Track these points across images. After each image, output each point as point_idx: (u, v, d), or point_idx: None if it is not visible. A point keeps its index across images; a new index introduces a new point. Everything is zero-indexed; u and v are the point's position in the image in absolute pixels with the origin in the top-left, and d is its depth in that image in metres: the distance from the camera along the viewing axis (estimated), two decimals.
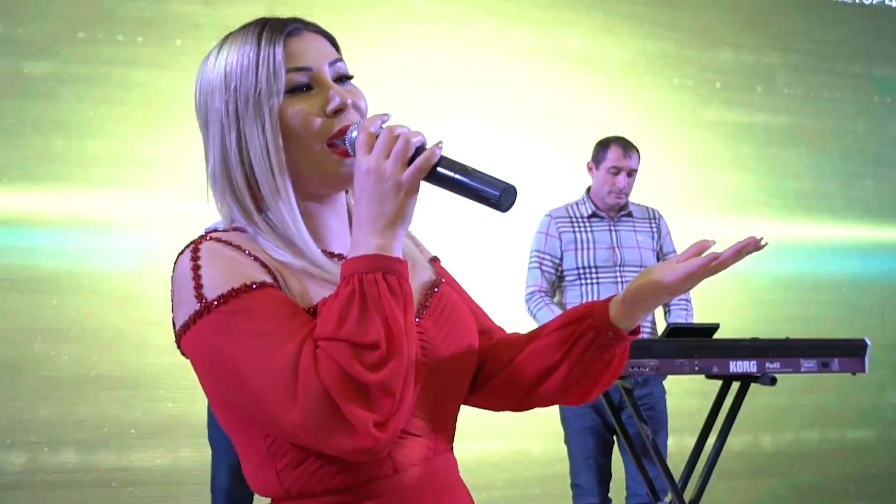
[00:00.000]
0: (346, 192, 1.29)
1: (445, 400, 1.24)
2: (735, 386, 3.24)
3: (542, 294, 3.60)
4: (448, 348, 1.23)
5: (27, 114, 4.17)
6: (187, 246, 1.16)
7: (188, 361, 1.18)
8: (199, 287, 1.11)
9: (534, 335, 1.32)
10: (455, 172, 1.13)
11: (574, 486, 3.60)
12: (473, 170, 1.14)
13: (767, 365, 3.08)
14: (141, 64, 4.28)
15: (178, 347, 1.17)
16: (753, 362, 3.08)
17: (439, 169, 1.13)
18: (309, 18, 1.25)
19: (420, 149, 1.12)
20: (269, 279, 1.13)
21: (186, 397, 4.04)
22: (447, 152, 1.14)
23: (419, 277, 1.27)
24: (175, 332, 1.16)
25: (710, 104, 5.18)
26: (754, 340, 3.10)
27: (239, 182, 1.19)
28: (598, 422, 3.55)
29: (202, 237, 1.17)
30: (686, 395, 4.28)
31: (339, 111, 1.19)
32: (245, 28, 1.21)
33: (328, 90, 1.19)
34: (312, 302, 1.15)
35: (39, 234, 4.16)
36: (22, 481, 4.05)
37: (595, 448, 3.56)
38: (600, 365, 1.26)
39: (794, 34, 5.39)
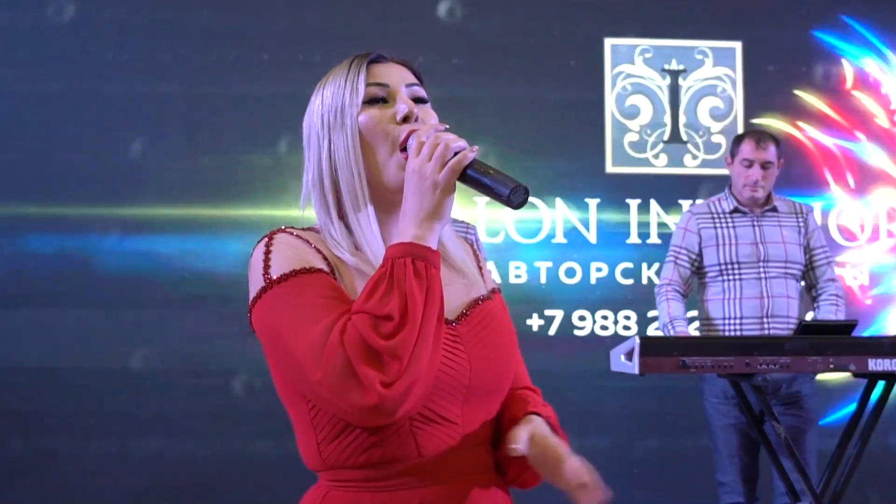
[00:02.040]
0: None
1: (478, 401, 1.37)
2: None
3: (670, 288, 3.64)
4: (482, 354, 1.38)
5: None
6: (265, 236, 1.37)
7: None
8: (267, 268, 1.32)
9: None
10: (478, 174, 1.30)
11: (719, 483, 3.62)
12: (495, 171, 1.30)
13: None
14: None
15: (250, 324, 1.36)
16: None
17: (468, 170, 1.30)
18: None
19: (457, 153, 1.29)
20: (325, 268, 1.33)
21: None
22: (482, 158, 1.31)
23: (471, 293, 1.44)
24: (248, 308, 1.35)
25: None
26: None
27: (327, 187, 1.39)
28: (743, 420, 3.53)
29: (278, 230, 1.38)
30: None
31: (406, 119, 1.38)
32: (341, 63, 1.44)
33: (401, 101, 1.39)
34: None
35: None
36: None
37: (739, 446, 3.56)
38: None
39: None
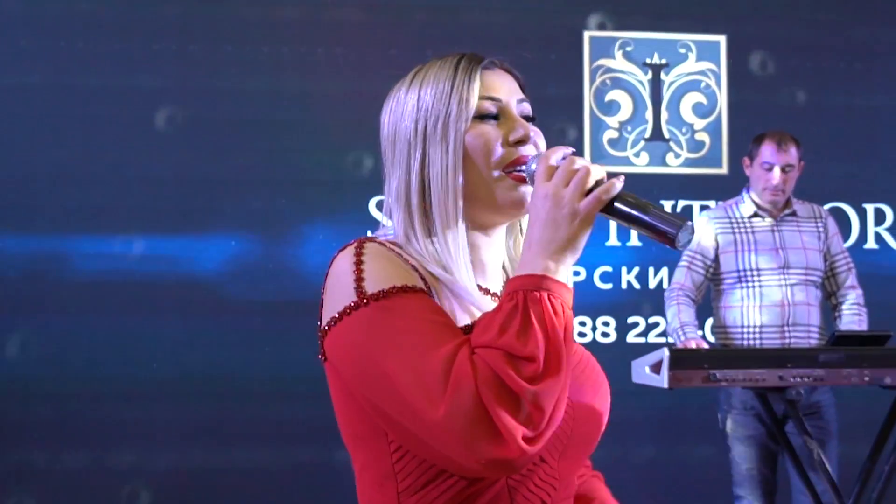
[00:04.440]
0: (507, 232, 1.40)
1: (575, 453, 1.31)
2: None
3: (682, 293, 3.65)
4: (583, 403, 1.32)
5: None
6: (349, 244, 1.25)
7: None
8: (359, 280, 1.20)
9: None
10: (632, 207, 1.20)
11: (737, 497, 3.64)
12: (651, 205, 1.21)
13: None
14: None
15: (321, 344, 1.24)
16: None
17: (616, 203, 1.20)
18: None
19: (599, 181, 1.20)
20: (424, 287, 1.22)
21: None
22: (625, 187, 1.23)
23: None
24: (322, 326, 1.23)
25: None
26: None
27: (414, 203, 1.29)
28: (762, 431, 3.57)
29: (365, 238, 1.27)
30: (860, 402, 4.22)
31: (521, 142, 1.30)
32: (442, 60, 1.34)
33: (514, 121, 1.31)
34: (458, 323, 1.23)
35: None
36: None
37: (758, 458, 3.59)
38: None
39: None
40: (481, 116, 1.30)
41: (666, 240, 1.20)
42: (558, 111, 4.75)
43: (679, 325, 3.59)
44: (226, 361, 4.45)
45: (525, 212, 1.32)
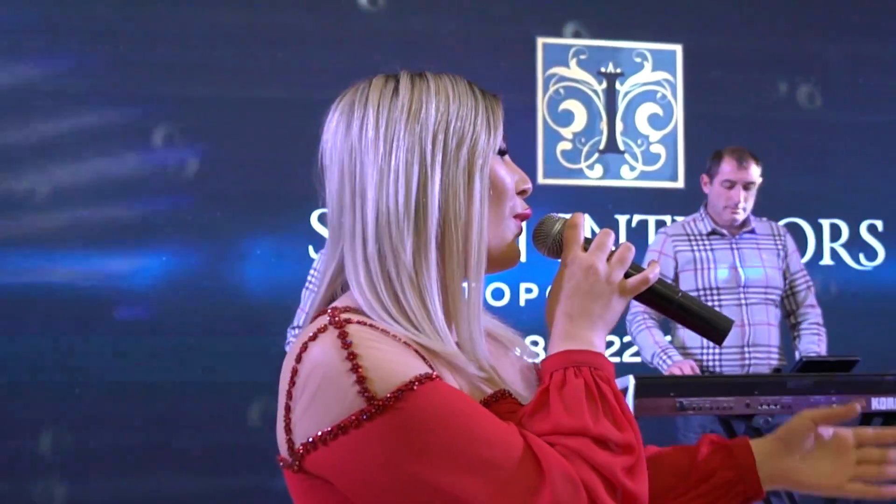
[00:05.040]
0: None
1: None
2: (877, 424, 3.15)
3: (647, 316, 3.57)
4: None
5: None
6: (320, 330, 1.03)
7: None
8: (362, 380, 1.00)
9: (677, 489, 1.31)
10: (675, 295, 1.19)
11: None
12: (689, 295, 1.21)
13: None
14: None
15: (298, 456, 1.03)
16: None
17: (656, 285, 1.18)
18: None
19: (634, 264, 1.17)
20: (431, 369, 1.05)
21: None
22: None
23: (523, 360, 1.28)
24: (302, 439, 1.03)
25: None
26: None
27: (431, 238, 1.09)
28: None
29: (337, 320, 1.04)
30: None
31: (525, 192, 1.20)
32: (440, 75, 1.17)
33: (515, 167, 1.20)
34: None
35: None
36: None
37: None
38: None
39: None
40: (498, 152, 1.18)
41: (712, 335, 1.20)
42: (510, 121, 4.63)
43: (660, 349, 3.49)
44: (159, 383, 4.26)
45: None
